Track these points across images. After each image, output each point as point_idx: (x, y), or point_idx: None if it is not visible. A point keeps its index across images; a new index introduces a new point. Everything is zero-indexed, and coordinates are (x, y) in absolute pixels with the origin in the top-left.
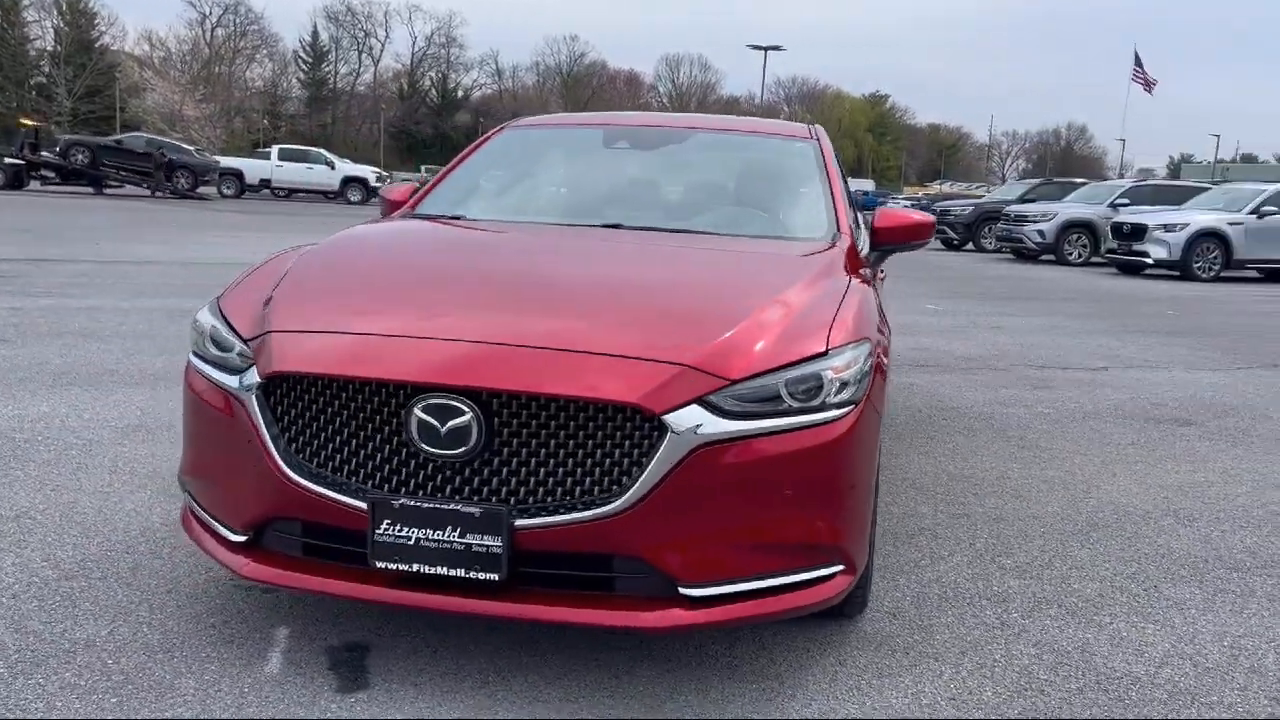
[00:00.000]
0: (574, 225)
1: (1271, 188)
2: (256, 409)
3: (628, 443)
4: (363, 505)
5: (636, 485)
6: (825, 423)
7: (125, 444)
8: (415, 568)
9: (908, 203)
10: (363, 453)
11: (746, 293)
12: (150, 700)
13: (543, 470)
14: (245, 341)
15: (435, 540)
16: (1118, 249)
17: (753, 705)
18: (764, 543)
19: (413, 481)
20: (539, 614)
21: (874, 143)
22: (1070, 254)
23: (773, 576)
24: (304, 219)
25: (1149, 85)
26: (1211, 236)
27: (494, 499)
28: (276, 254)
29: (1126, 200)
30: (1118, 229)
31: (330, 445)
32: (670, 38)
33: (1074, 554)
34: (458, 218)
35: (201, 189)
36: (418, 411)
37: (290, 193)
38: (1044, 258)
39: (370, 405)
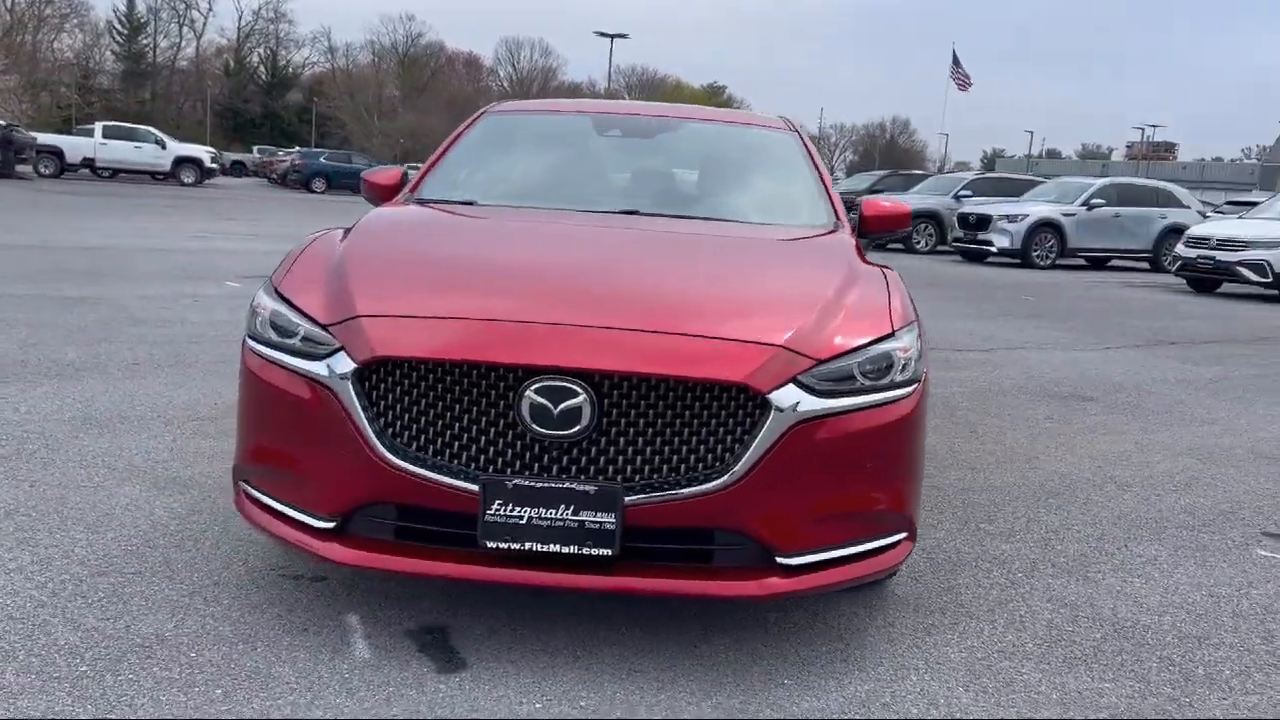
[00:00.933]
0: (596, 212)
1: (1100, 182)
2: (352, 394)
3: (731, 421)
4: (472, 487)
5: (742, 461)
6: (895, 400)
7: (82, 437)
8: (527, 546)
9: None
10: (470, 435)
11: (806, 278)
12: (258, 689)
13: (650, 449)
14: (324, 327)
15: (548, 519)
16: (963, 238)
17: (829, 665)
18: (846, 513)
19: (522, 462)
20: (648, 586)
21: None
22: (919, 242)
23: (853, 544)
24: (156, 201)
25: (965, 84)
26: (1049, 227)
27: (605, 477)
28: (314, 236)
29: (969, 192)
30: (964, 219)
31: (433, 428)
32: (510, 21)
33: (1045, 519)
34: (470, 203)
35: (19, 168)
36: (530, 394)
37: (115, 173)
38: (893, 246)
39: (479, 388)
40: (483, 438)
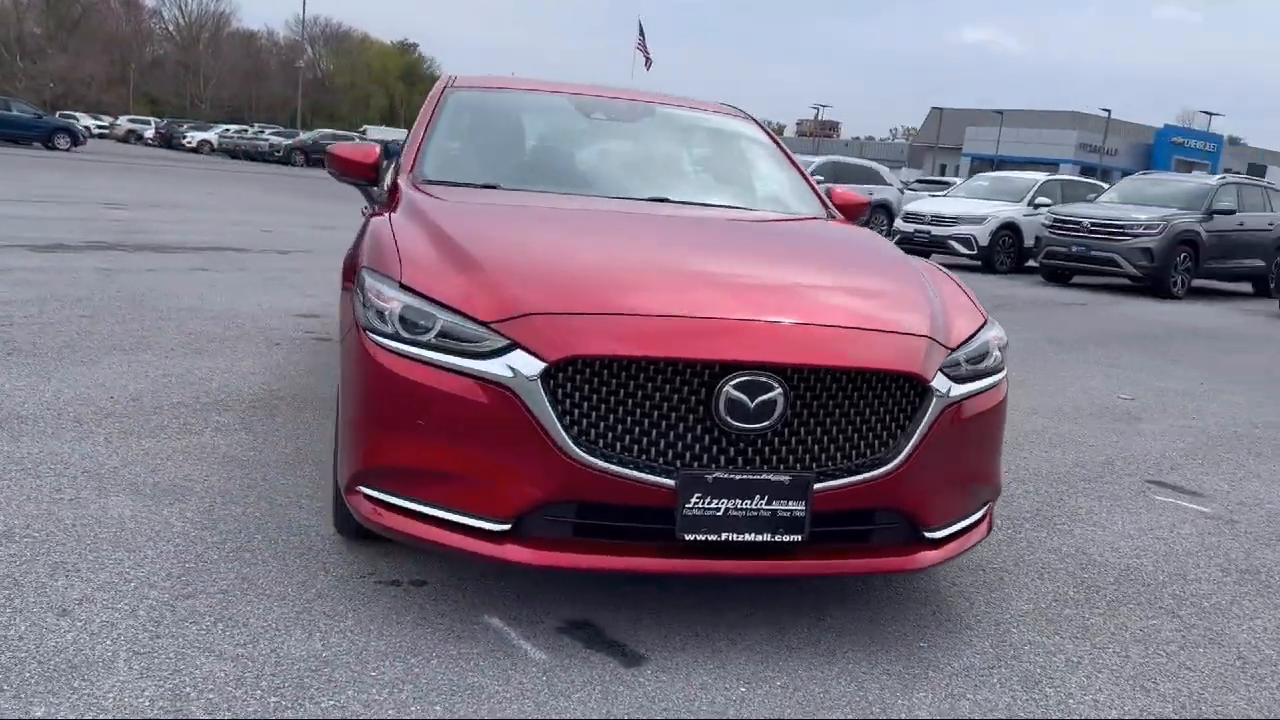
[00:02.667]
0: (630, 199)
1: (818, 160)
2: (541, 394)
3: (898, 408)
4: (666, 481)
5: (909, 444)
6: (997, 384)
7: (21, 441)
8: (723, 536)
9: None
10: (663, 431)
11: (895, 270)
12: (468, 698)
13: (833, 437)
14: (486, 325)
15: (743, 509)
16: None
17: (922, 637)
18: (970, 486)
19: (718, 456)
20: (824, 568)
21: (405, 91)
22: None
23: (972, 515)
24: None
25: (648, 58)
26: (881, 209)
27: (796, 467)
28: (378, 222)
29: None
30: None
31: (624, 425)
32: None
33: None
34: (493, 187)
35: None
36: (729, 389)
37: None
38: None
39: (673, 384)
40: (676, 433)
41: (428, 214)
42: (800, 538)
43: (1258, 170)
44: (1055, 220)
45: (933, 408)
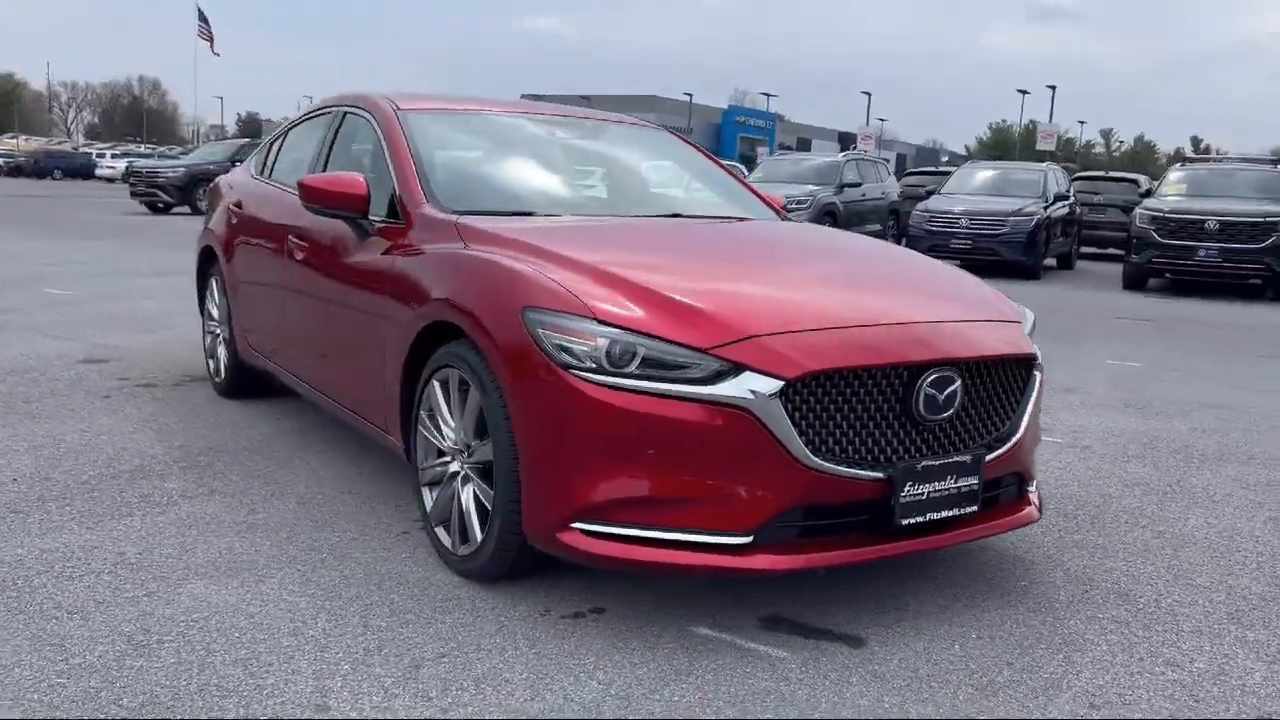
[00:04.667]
0: (649, 216)
1: None
2: (780, 410)
3: (1018, 384)
4: (879, 475)
5: (1025, 414)
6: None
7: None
8: (929, 517)
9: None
10: (873, 430)
11: (944, 266)
12: (775, 702)
13: (986, 417)
14: (704, 351)
15: (941, 490)
16: None
17: (1014, 577)
18: (1036, 447)
19: (923, 445)
20: (986, 531)
21: None
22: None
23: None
24: None
25: (212, 43)
26: None
27: (972, 447)
28: (509, 260)
29: None
30: None
31: (840, 429)
32: None
33: None
34: (527, 214)
35: None
36: (926, 386)
37: None
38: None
39: (880, 387)
40: (881, 430)
41: (532, 244)
42: (976, 508)
43: (804, 144)
44: None
45: (1037, 381)
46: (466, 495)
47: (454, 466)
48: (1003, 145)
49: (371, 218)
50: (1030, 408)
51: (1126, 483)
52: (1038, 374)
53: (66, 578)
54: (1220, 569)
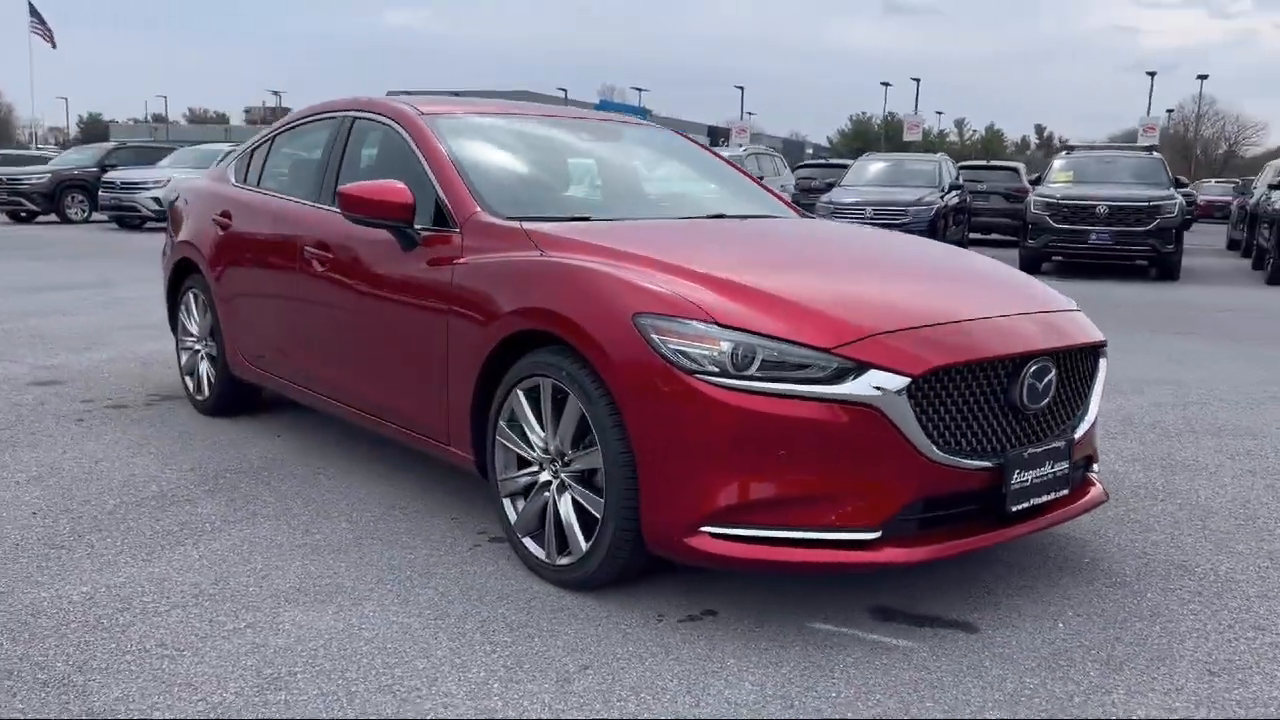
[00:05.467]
0: (696, 218)
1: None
2: (907, 406)
3: (1090, 370)
4: (988, 464)
5: (1095, 399)
6: None
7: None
8: (1032, 502)
9: None
10: (983, 420)
11: (986, 260)
12: (927, 695)
13: (1071, 403)
14: (827, 350)
15: (1042, 476)
16: None
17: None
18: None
19: (1025, 434)
20: (1070, 513)
21: None
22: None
23: None
24: None
25: (50, 39)
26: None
27: (1061, 432)
28: (607, 267)
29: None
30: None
31: (955, 422)
32: None
33: None
34: (583, 218)
35: None
36: (1028, 376)
37: None
38: (161, 224)
39: (989, 379)
40: (990, 420)
41: (614, 249)
42: (1067, 491)
43: None
44: None
45: (1104, 367)
46: (565, 504)
47: (544, 476)
48: (863, 137)
49: (417, 226)
50: (1099, 391)
51: (1124, 458)
52: (1104, 359)
53: (153, 613)
54: (1252, 536)
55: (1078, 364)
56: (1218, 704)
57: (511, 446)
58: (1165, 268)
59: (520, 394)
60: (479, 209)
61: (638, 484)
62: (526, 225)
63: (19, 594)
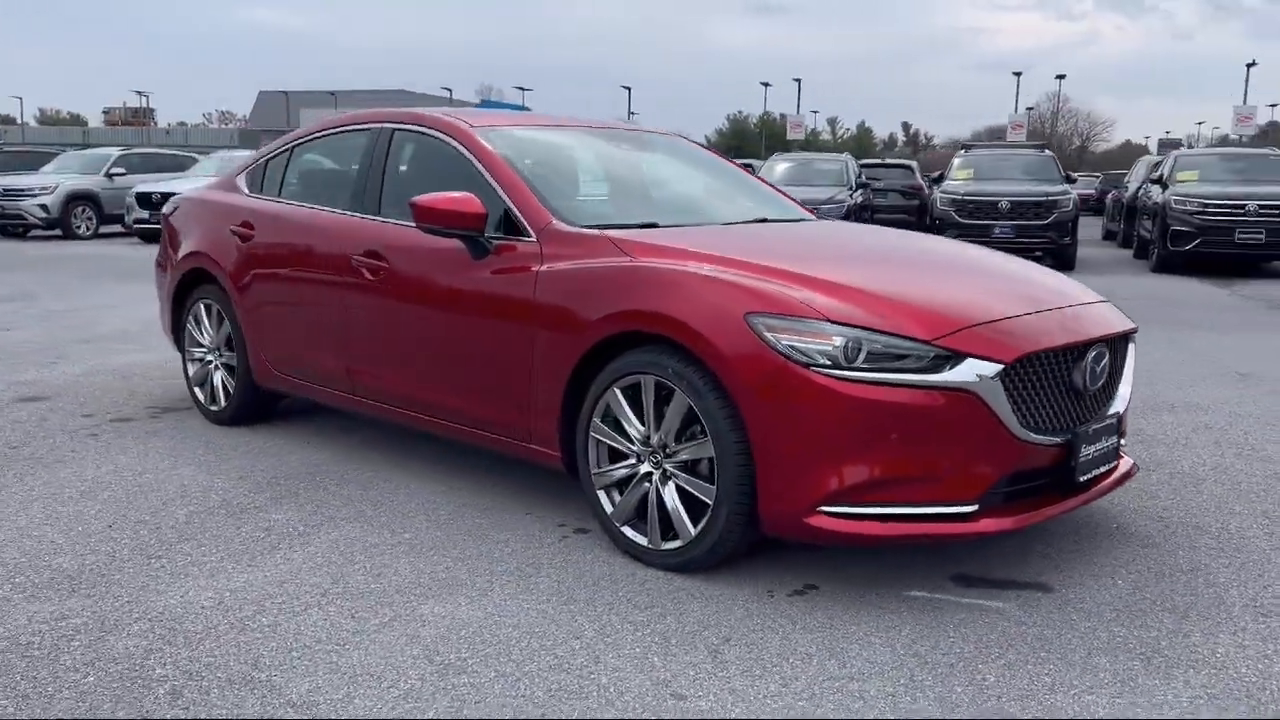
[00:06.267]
0: (741, 223)
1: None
2: (1001, 390)
3: (1125, 353)
4: (1059, 440)
5: (1129, 378)
6: None
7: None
8: (1093, 474)
9: None
10: (1051, 401)
11: (1013, 257)
12: (1034, 660)
13: (1116, 384)
14: (927, 342)
15: (1099, 450)
16: (149, 219)
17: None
18: None
19: (1085, 412)
20: (1115, 484)
21: None
22: (78, 227)
23: None
24: None
25: None
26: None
27: (1111, 409)
28: (694, 269)
29: (123, 170)
30: (144, 199)
31: (1034, 402)
32: None
33: None
34: (651, 225)
35: None
36: (1089, 361)
37: None
38: (49, 233)
39: (1058, 364)
40: (1058, 400)
41: (703, 253)
42: (1116, 464)
43: None
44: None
45: (1133, 351)
46: (669, 493)
47: (644, 468)
48: (741, 136)
49: (489, 235)
50: (1131, 372)
51: None
52: (1133, 344)
53: (292, 613)
54: (1243, 498)
55: (1118, 349)
56: (1277, 640)
57: (606, 441)
58: (1063, 258)
59: (617, 391)
60: (554, 218)
61: (753, 471)
62: (611, 233)
63: (148, 600)
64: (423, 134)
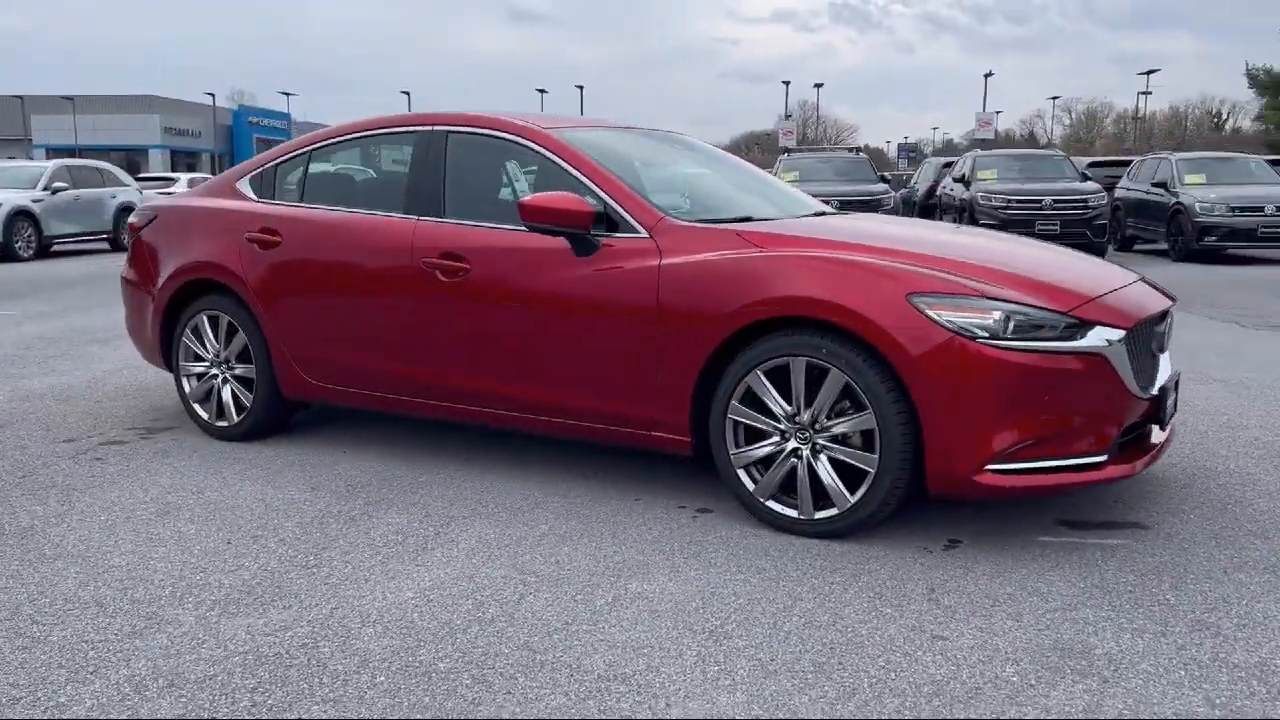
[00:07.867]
0: (805, 216)
1: (53, 165)
2: (1124, 353)
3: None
4: (1154, 395)
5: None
6: None
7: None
8: (1168, 427)
9: None
10: (1142, 363)
11: (1051, 245)
12: (1159, 588)
13: (1169, 350)
14: (1064, 313)
15: (1169, 405)
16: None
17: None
18: None
19: (1158, 373)
20: (1170, 439)
21: None
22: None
23: None
24: None
25: None
26: (24, 215)
27: (1170, 368)
28: (825, 255)
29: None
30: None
31: (1137, 364)
32: None
33: None
34: (746, 219)
35: None
36: (1158, 328)
37: None
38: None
39: (1147, 330)
40: (1143, 362)
41: (832, 241)
42: (1173, 420)
43: None
44: None
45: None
46: (822, 466)
47: (791, 444)
48: None
49: (595, 233)
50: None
51: None
52: (1171, 315)
53: (513, 601)
54: (1250, 466)
55: (1166, 319)
56: None
57: (747, 422)
58: None
59: (761, 374)
60: (663, 215)
61: (917, 438)
62: (734, 226)
63: (354, 604)
64: (489, 137)
